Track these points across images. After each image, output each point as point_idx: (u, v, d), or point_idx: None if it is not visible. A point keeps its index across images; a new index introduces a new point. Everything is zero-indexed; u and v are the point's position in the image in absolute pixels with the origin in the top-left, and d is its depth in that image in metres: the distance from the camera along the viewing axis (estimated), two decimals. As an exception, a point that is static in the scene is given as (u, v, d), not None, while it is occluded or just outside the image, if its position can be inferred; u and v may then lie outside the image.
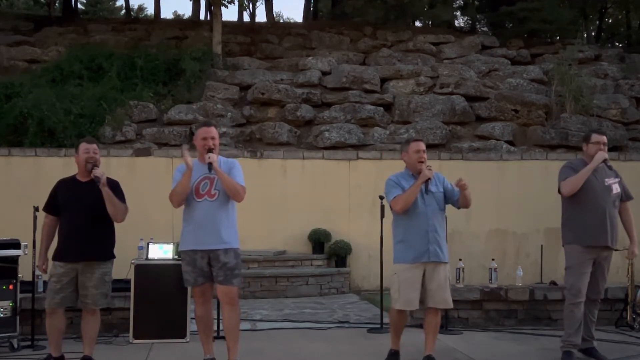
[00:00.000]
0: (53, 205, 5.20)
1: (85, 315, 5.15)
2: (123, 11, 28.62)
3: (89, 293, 5.04)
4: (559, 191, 5.59)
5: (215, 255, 4.89)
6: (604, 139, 5.63)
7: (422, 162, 5.19)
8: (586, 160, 5.61)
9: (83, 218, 5.02)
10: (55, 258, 5.10)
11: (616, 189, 5.56)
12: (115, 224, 5.23)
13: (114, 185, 5.17)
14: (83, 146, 5.18)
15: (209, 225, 4.89)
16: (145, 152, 11.01)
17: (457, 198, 5.25)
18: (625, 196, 5.66)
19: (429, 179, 5.10)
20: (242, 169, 5.10)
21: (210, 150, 4.89)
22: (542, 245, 9.86)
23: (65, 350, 5.21)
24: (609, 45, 20.17)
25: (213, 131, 5.02)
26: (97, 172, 5.01)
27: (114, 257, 5.23)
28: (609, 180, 5.55)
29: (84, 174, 5.16)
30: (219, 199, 4.93)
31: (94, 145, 5.20)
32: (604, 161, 5.47)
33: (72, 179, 5.24)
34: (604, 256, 5.54)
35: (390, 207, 5.23)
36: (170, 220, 9.36)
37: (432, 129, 12.51)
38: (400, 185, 5.19)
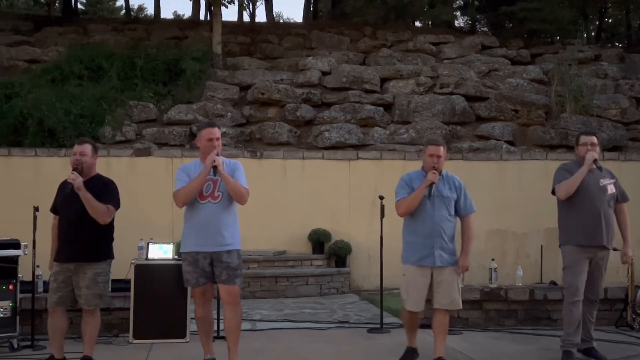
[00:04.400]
0: (56, 206, 5.22)
1: (84, 316, 5.15)
2: (123, 11, 28.63)
3: (82, 293, 5.03)
4: (553, 193, 5.60)
5: (218, 256, 4.90)
6: (592, 139, 5.61)
7: (434, 167, 5.14)
8: (579, 161, 5.62)
9: (73, 219, 5.00)
10: (54, 259, 5.13)
11: (611, 189, 5.56)
12: (115, 224, 5.21)
13: (105, 185, 5.13)
14: (74, 148, 5.17)
15: (213, 227, 4.88)
16: (145, 152, 11.00)
17: (462, 215, 5.26)
18: (621, 197, 5.66)
19: (433, 183, 5.09)
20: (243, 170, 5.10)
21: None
22: (542, 245, 9.86)
23: (65, 350, 5.20)
24: (609, 45, 20.13)
25: (218, 132, 5.02)
26: (70, 177, 4.90)
27: (110, 257, 5.19)
28: (604, 181, 5.55)
29: None
30: (222, 200, 4.93)
31: (82, 146, 5.12)
32: (594, 161, 5.47)
33: None
34: (600, 256, 5.54)
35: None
36: (170, 220, 9.37)
37: (432, 129, 12.50)
38: (411, 185, 5.18)
